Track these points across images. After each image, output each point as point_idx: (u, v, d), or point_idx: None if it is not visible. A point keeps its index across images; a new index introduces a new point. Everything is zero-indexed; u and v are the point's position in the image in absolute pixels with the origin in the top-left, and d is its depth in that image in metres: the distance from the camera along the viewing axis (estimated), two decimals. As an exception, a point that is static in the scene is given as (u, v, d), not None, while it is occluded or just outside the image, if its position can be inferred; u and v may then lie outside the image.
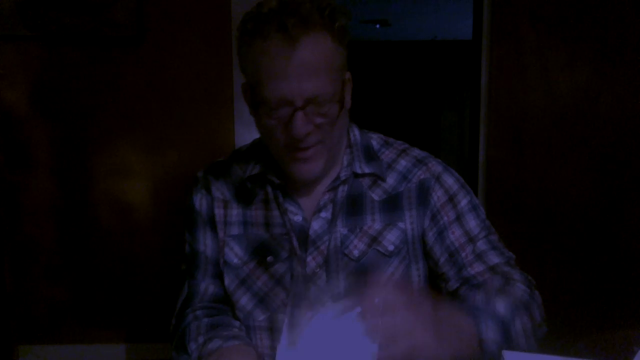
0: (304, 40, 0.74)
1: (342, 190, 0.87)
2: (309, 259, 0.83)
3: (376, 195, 0.87)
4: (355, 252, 0.85)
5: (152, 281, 1.69)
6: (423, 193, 0.87)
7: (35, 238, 1.69)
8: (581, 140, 1.69)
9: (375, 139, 0.94)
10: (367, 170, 0.88)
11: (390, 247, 0.86)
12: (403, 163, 0.90)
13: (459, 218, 0.86)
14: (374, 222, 0.86)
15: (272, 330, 0.85)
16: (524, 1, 1.64)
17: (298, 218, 0.85)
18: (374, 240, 0.86)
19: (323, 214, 0.86)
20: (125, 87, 1.64)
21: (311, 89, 0.76)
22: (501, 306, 0.73)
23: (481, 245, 0.85)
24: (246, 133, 1.67)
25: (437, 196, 0.87)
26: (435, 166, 0.89)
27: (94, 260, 1.70)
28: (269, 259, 0.85)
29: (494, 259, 0.83)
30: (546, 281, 1.73)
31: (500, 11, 1.66)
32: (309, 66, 0.75)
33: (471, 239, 0.85)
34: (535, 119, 1.69)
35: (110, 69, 1.63)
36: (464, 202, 0.87)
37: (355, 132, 0.93)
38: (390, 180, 0.88)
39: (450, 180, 0.89)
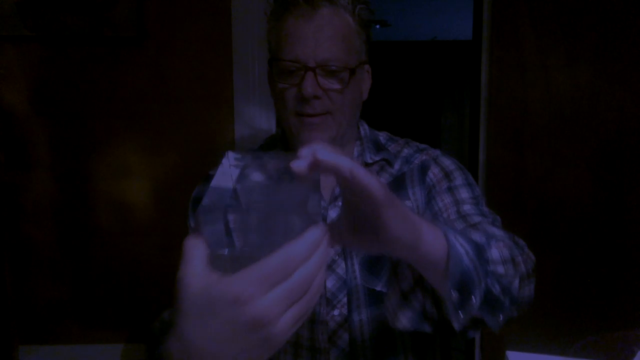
0: (325, 10, 0.82)
1: None
2: None
3: (384, 179, 0.92)
4: None
5: (152, 281, 1.69)
6: (423, 173, 0.93)
7: (35, 238, 1.69)
8: (581, 140, 1.69)
9: (382, 136, 1.01)
10: (376, 159, 0.93)
11: None
12: (406, 151, 0.97)
13: (451, 189, 0.89)
14: None
15: None
16: (524, 1, 1.64)
17: None
18: None
19: (339, 203, 0.89)
20: (125, 87, 1.64)
21: (324, 53, 0.81)
22: (476, 235, 0.67)
23: (467, 208, 0.86)
24: (246, 133, 1.67)
25: (434, 173, 0.92)
26: (435, 152, 0.97)
27: (94, 260, 1.70)
28: None
29: (477, 219, 0.83)
30: (546, 281, 1.73)
31: (500, 11, 1.66)
32: (325, 32, 0.81)
33: (459, 204, 0.87)
34: (535, 119, 1.69)
35: (110, 69, 1.63)
36: (459, 179, 0.91)
37: (365, 127, 1.00)
38: (397, 165, 0.94)
39: (448, 162, 0.94)
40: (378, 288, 0.87)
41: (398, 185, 0.91)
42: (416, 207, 0.89)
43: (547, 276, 1.73)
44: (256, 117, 1.66)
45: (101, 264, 1.70)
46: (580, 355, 0.70)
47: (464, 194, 0.88)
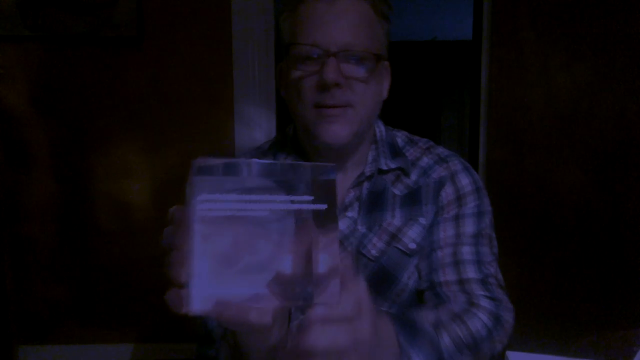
0: None
1: (366, 187, 0.85)
2: None
3: (398, 190, 0.85)
4: (373, 252, 0.82)
5: (153, 281, 1.69)
6: (438, 191, 0.86)
7: (35, 238, 1.69)
8: (581, 140, 1.69)
9: (400, 137, 0.92)
10: (392, 166, 0.85)
11: (412, 245, 0.83)
12: (426, 160, 0.88)
13: (457, 218, 0.83)
14: (393, 218, 0.83)
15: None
16: (524, 1, 1.64)
17: None
18: (394, 237, 0.83)
19: (349, 214, 0.84)
20: (125, 87, 1.64)
21: (347, 37, 0.75)
22: (447, 340, 0.68)
23: (465, 252, 0.81)
24: (246, 133, 1.67)
25: (446, 193, 0.85)
26: (456, 165, 0.88)
27: (94, 260, 1.70)
28: None
29: (470, 272, 0.79)
30: (546, 281, 1.73)
31: (500, 11, 1.66)
32: (347, 18, 0.76)
33: (458, 243, 0.81)
34: (535, 119, 1.69)
35: (110, 69, 1.63)
36: (471, 205, 0.85)
37: (381, 128, 0.91)
38: (414, 176, 0.86)
39: (466, 181, 0.87)
40: (384, 309, 0.83)
41: (413, 198, 0.85)
42: (426, 222, 0.85)
43: (547, 276, 1.73)
44: (256, 117, 1.66)
45: (101, 264, 1.70)
46: (580, 355, 0.70)
47: (469, 227, 0.83)
